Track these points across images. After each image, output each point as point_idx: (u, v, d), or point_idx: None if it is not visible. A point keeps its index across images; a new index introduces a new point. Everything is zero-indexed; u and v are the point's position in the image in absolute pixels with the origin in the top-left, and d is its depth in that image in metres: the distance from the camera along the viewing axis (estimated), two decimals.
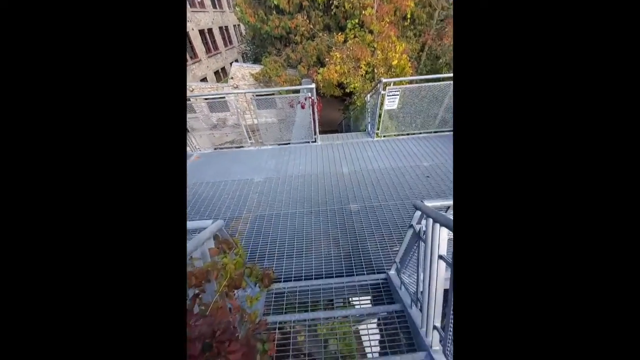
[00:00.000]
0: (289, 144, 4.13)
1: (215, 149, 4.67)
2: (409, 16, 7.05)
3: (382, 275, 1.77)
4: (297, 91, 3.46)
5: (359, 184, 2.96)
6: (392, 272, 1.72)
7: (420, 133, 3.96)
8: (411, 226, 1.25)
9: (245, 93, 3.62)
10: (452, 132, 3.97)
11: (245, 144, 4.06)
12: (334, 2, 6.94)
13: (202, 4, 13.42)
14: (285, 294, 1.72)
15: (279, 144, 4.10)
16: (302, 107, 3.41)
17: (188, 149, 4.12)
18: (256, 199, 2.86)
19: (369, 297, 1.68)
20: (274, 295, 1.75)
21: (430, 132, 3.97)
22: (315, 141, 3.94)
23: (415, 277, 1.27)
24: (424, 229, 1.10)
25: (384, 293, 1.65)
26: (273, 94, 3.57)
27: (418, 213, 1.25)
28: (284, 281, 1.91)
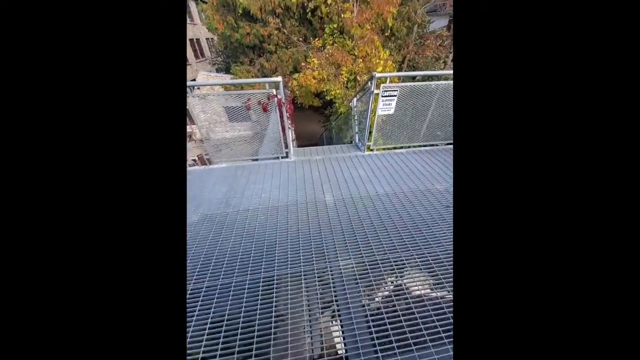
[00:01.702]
0: (257, 159, 3.03)
1: None
2: (389, 25, 6.65)
3: None
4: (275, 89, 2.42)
5: (350, 221, 1.92)
6: None
7: (425, 145, 3.11)
8: None
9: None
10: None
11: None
12: (310, 5, 6.34)
13: None
14: None
15: (246, 159, 2.98)
16: (265, 109, 2.39)
17: None
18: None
19: None
20: None
21: (438, 145, 3.13)
22: (286, 156, 2.90)
23: None
24: None
25: None
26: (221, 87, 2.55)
27: None
28: None
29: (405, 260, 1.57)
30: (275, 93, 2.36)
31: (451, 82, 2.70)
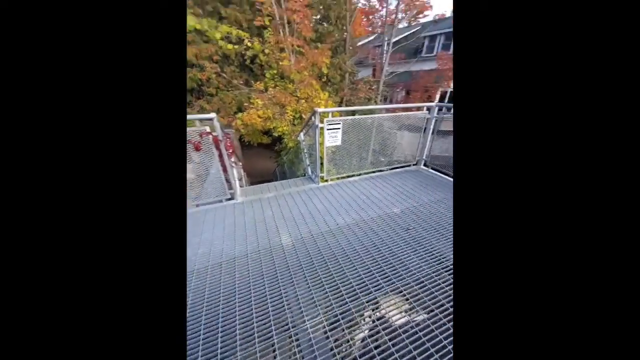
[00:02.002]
0: (198, 205, 2.53)
1: None
2: (325, 73, 7.52)
3: None
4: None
5: (313, 263, 1.65)
6: None
7: (374, 172, 3.24)
8: None
9: None
10: (407, 168, 3.48)
11: None
12: (248, 53, 6.69)
13: None
14: None
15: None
16: (197, 148, 2.09)
17: None
18: None
19: None
20: None
21: (383, 170, 3.31)
22: (231, 198, 2.53)
23: None
24: None
25: None
26: None
27: None
28: None
29: (379, 297, 1.37)
30: (208, 130, 2.12)
31: (385, 115, 3.01)
